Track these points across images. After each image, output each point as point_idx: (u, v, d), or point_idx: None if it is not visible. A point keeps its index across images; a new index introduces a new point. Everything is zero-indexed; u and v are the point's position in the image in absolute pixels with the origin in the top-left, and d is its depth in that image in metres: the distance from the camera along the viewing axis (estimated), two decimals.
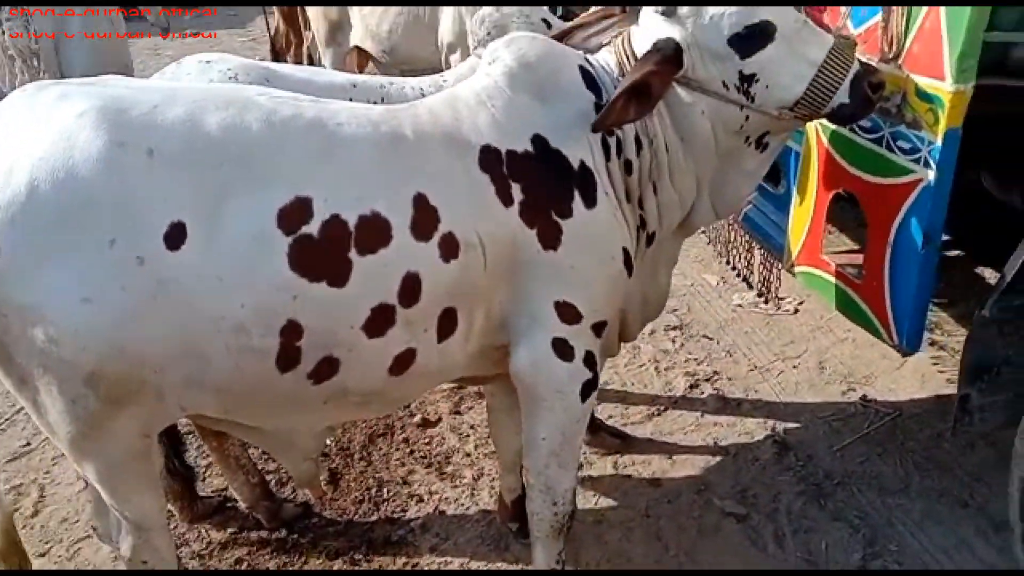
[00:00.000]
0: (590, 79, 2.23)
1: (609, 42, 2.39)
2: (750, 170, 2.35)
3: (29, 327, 1.74)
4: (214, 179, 1.80)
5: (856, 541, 2.81)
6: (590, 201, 2.14)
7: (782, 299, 4.19)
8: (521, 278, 2.12)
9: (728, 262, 3.50)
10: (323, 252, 1.86)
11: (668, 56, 2.11)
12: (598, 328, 2.23)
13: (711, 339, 3.96)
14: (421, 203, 1.97)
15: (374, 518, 3.04)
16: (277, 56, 7.92)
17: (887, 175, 2.35)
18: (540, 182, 2.10)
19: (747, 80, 2.14)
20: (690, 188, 2.35)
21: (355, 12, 5.32)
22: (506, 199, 2.07)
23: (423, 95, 2.70)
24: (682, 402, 3.57)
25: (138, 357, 1.80)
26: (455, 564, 2.81)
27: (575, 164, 2.14)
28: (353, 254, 1.89)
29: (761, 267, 3.22)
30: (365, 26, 5.25)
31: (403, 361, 2.04)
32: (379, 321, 1.95)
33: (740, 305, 4.29)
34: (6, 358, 1.82)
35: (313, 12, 5.71)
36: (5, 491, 3.27)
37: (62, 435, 1.92)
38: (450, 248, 1.99)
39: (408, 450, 3.36)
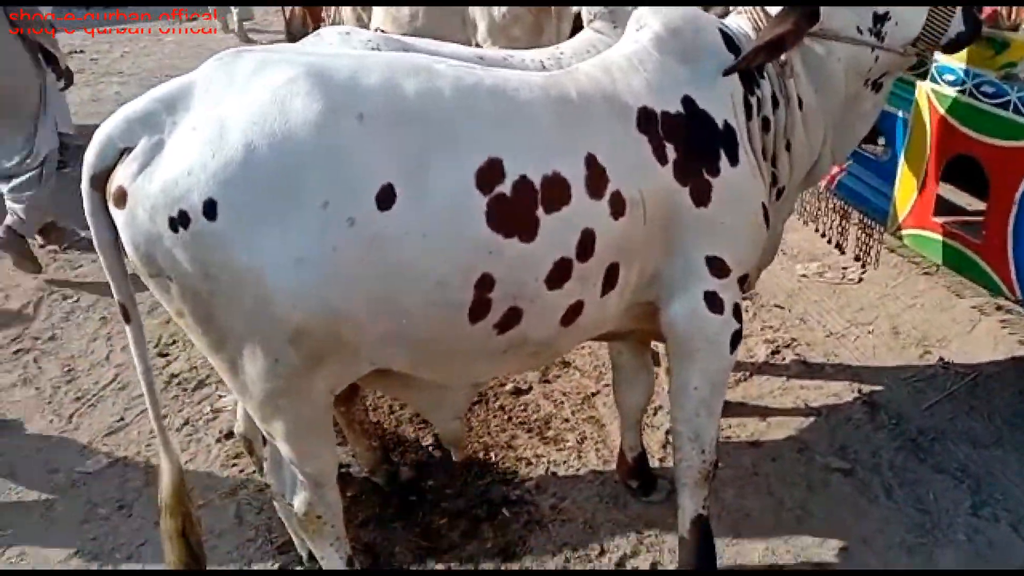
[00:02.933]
0: (729, 41, 2.33)
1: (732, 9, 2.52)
2: (867, 112, 2.53)
3: (241, 287, 1.79)
4: (417, 142, 1.87)
5: (962, 491, 2.94)
6: (734, 159, 2.25)
7: (845, 268, 4.31)
8: (674, 235, 2.22)
9: (818, 230, 3.60)
10: (515, 210, 1.95)
11: (807, 11, 2.22)
12: (742, 280, 2.36)
13: (782, 308, 4.07)
14: (592, 163, 2.06)
15: (487, 480, 3.11)
16: (294, 39, 7.92)
17: (1014, 138, 2.46)
18: (691, 141, 2.20)
19: (880, 20, 2.30)
20: (819, 139, 2.48)
21: None
22: (662, 158, 2.16)
23: (543, 68, 2.77)
24: (765, 368, 3.67)
25: (344, 314, 1.86)
26: (579, 520, 2.89)
27: (720, 124, 2.24)
28: (540, 212, 1.98)
29: (859, 232, 3.32)
30: (386, 10, 5.27)
31: (573, 312, 2.14)
32: (559, 274, 2.04)
33: (804, 275, 4.40)
34: (206, 318, 1.88)
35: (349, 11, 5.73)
36: (109, 463, 3.31)
37: (257, 393, 1.98)
38: (618, 205, 2.08)
39: (506, 416, 3.44)
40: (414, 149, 1.86)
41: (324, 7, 7.64)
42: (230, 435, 3.39)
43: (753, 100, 2.32)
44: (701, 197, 2.20)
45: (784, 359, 3.72)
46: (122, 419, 3.57)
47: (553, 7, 4.78)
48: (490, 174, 1.92)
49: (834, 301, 4.12)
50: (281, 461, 2.30)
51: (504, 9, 4.74)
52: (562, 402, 3.51)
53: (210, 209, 1.74)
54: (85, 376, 3.87)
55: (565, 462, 3.18)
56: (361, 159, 1.81)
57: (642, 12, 2.36)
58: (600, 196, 2.06)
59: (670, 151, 2.18)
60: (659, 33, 2.29)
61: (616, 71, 2.25)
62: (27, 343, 4.15)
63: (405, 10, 5.15)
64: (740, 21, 2.43)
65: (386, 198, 1.82)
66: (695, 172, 2.20)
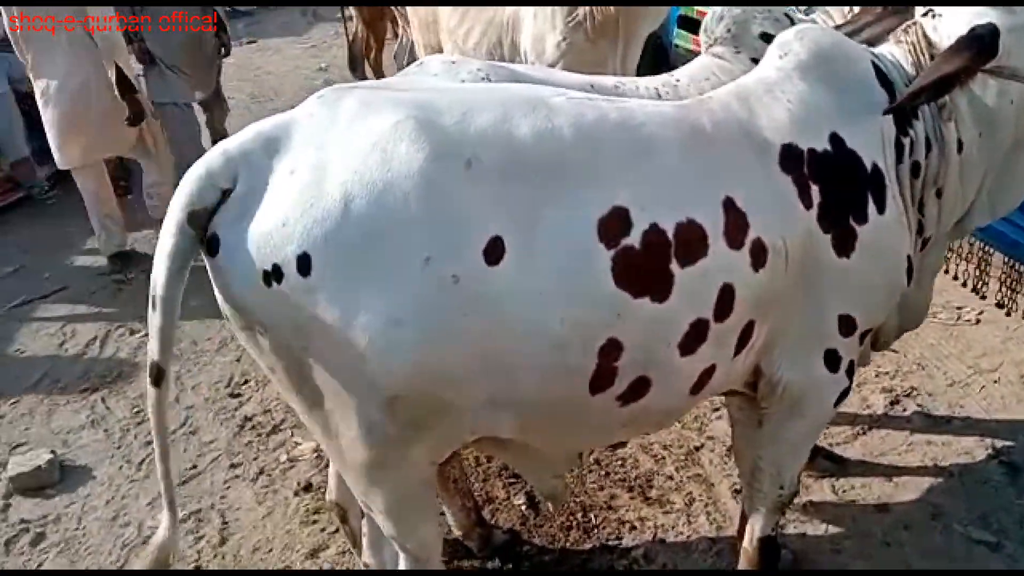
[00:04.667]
0: (881, 74, 2.08)
1: (885, 37, 2.25)
2: None
3: (334, 347, 1.61)
4: (530, 189, 1.68)
5: None
6: (881, 206, 2.02)
7: (960, 308, 3.98)
8: (809, 288, 1.99)
9: (948, 271, 3.29)
10: (645, 265, 1.74)
11: (985, 45, 1.96)
12: (864, 336, 2.17)
13: (896, 352, 3.75)
14: (730, 207, 1.84)
15: (588, 546, 2.85)
16: (354, 60, 7.78)
17: None
18: (838, 184, 1.98)
19: None
20: (975, 186, 2.22)
21: (443, 26, 5.11)
22: (806, 201, 1.94)
23: (658, 96, 2.53)
24: (885, 420, 3.36)
25: (445, 378, 1.66)
26: None
27: (868, 166, 2.01)
28: (674, 266, 1.77)
29: (1004, 276, 3.01)
30: (453, 41, 5.07)
31: (704, 378, 1.93)
32: (694, 337, 1.83)
33: None
34: (302, 378, 1.70)
35: (413, 29, 5.54)
36: (183, 517, 3.12)
37: (353, 463, 1.79)
38: (759, 255, 1.87)
39: (603, 472, 3.17)
40: (527, 197, 1.67)
41: (392, 28, 7.52)
42: (308, 488, 3.19)
43: (905, 141, 2.08)
44: (844, 247, 1.98)
45: (905, 410, 3.40)
46: (195, 466, 3.39)
47: (622, 35, 4.54)
48: (614, 224, 1.72)
49: (952, 345, 3.78)
50: (381, 536, 2.09)
51: (559, 39, 4.51)
52: (663, 457, 3.23)
53: (304, 264, 1.57)
54: None
55: (673, 527, 2.90)
56: (467, 210, 1.62)
57: (787, 37, 2.12)
58: (739, 245, 1.84)
59: (815, 194, 1.95)
60: (806, 61, 2.06)
61: (754, 101, 2.01)
62: (94, 381, 4.01)
63: (470, 41, 4.93)
64: (894, 51, 2.17)
65: (495, 252, 1.62)
66: (840, 219, 1.97)
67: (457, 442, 1.89)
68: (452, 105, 1.70)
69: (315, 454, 3.37)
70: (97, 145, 4.77)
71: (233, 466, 3.37)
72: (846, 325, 2.06)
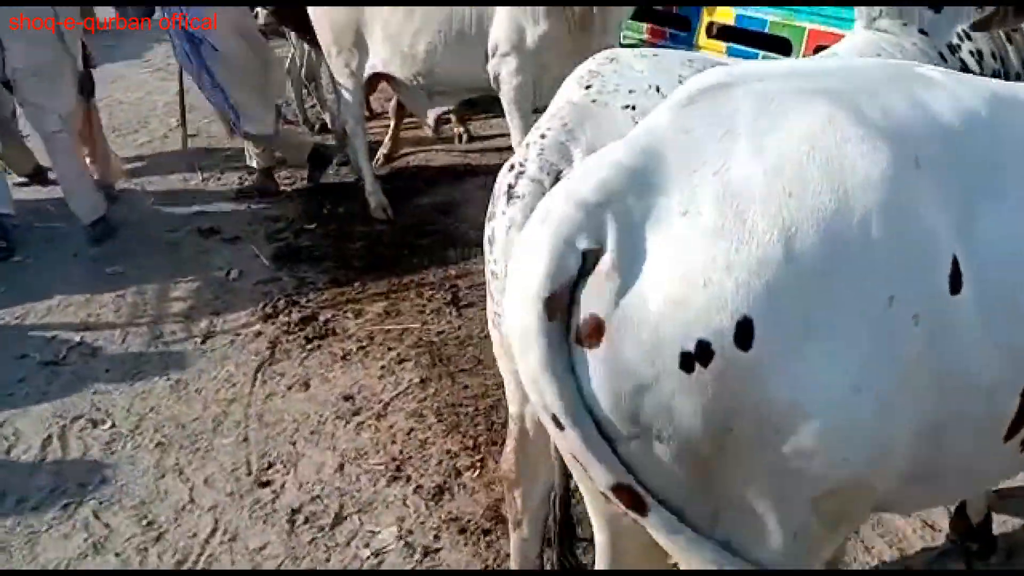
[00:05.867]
0: None
1: None
2: None
3: (771, 438, 1.21)
4: (967, 188, 1.32)
5: None
6: None
7: None
8: None
9: None
10: None
11: None
12: None
13: None
14: None
15: None
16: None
17: None
18: None
19: None
20: None
21: (377, 32, 4.66)
22: None
23: None
24: None
25: (891, 454, 1.29)
26: None
27: None
28: None
29: None
30: (393, 47, 4.61)
31: None
32: None
33: None
34: (703, 489, 1.28)
35: (323, 34, 4.98)
36: None
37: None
38: None
39: None
40: (967, 200, 1.31)
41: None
42: None
43: None
44: None
45: None
46: None
47: (599, 24, 4.27)
48: None
49: None
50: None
51: (542, 30, 4.18)
52: None
53: (744, 332, 1.17)
54: (173, 528, 3.01)
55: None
56: (927, 223, 1.25)
57: None
58: None
59: None
60: None
61: None
62: (72, 491, 3.22)
63: (420, 46, 4.50)
64: None
65: (956, 273, 1.27)
66: None
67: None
68: (856, 87, 1.34)
69: (400, 540, 2.85)
70: None
71: None
72: None
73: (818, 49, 4.11)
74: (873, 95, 1.32)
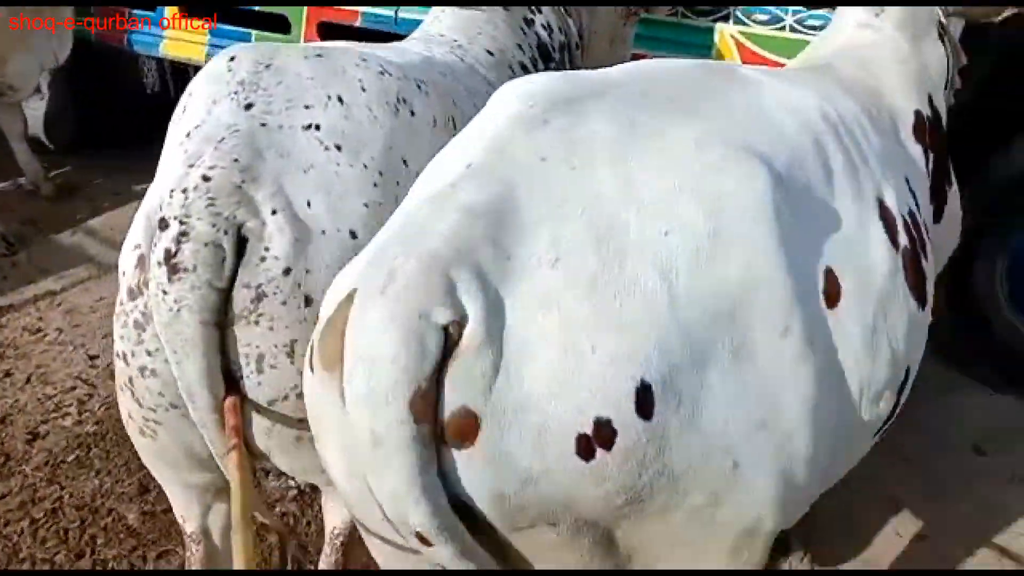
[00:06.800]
0: None
1: None
2: None
3: (680, 493, 1.10)
4: (816, 201, 1.33)
5: None
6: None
7: None
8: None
9: None
10: (919, 267, 1.51)
11: None
12: None
13: None
14: None
15: None
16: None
17: None
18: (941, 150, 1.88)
19: None
20: None
21: None
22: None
23: None
24: None
25: (801, 481, 1.23)
26: None
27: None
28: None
29: None
30: None
31: None
32: None
33: None
34: (607, 547, 1.14)
35: None
36: None
37: None
38: None
39: None
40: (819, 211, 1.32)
41: None
42: None
43: None
44: (939, 215, 1.89)
45: None
46: None
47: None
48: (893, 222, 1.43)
49: None
50: None
51: None
52: None
53: (644, 399, 1.01)
54: None
55: None
56: (802, 240, 1.22)
57: None
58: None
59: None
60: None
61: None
62: None
63: None
64: None
65: (833, 288, 1.25)
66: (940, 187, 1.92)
67: None
68: (696, 98, 1.29)
69: None
70: None
71: None
72: None
73: (321, 26, 3.70)
74: (723, 106, 1.28)
